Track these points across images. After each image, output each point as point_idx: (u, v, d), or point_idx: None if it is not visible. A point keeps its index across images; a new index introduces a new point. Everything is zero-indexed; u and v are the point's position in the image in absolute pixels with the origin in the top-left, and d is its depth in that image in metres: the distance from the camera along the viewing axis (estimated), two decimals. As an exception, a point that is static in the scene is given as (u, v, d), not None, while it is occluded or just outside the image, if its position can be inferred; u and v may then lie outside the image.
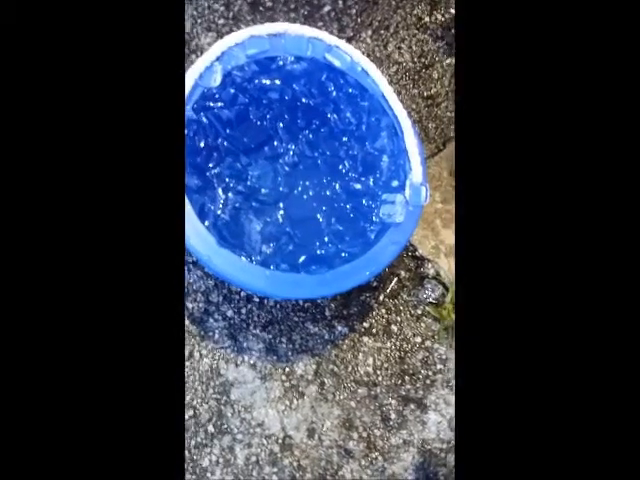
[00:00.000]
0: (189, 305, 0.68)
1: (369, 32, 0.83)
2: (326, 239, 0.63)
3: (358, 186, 0.65)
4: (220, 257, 0.55)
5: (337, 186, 0.66)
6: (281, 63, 0.60)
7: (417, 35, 0.84)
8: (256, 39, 0.60)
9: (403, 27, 0.84)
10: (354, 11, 0.82)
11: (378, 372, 0.71)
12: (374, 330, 0.72)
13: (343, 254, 0.61)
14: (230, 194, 0.62)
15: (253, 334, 0.69)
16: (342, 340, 0.71)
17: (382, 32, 0.83)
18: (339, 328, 0.71)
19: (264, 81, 0.61)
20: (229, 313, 0.69)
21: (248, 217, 0.61)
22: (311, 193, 0.65)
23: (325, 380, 0.69)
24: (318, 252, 0.61)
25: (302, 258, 0.61)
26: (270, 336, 0.69)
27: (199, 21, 0.76)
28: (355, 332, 0.71)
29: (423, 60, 0.82)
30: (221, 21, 0.76)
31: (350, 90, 0.63)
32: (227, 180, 0.62)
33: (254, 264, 0.56)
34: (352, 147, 0.65)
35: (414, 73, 0.82)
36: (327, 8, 0.82)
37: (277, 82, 0.61)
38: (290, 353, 0.69)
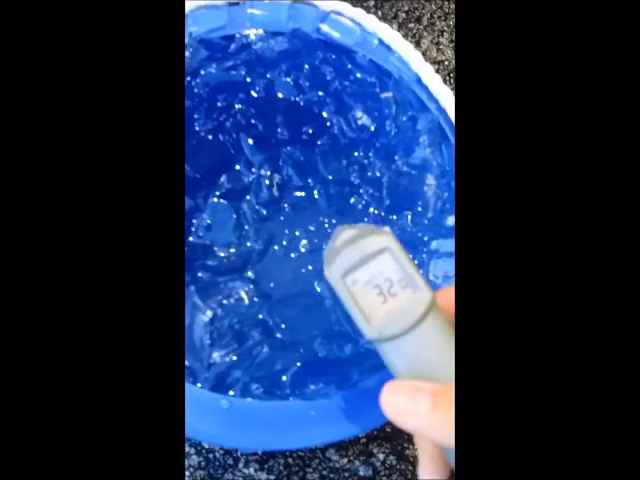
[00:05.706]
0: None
1: (394, 26, 0.62)
2: (336, 329, 0.36)
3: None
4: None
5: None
6: (245, 42, 0.37)
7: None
8: (207, 11, 0.37)
9: (440, 17, 0.62)
10: (372, 3, 0.62)
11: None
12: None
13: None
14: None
15: (243, 475, 0.44)
16: (387, 478, 0.45)
17: (411, 25, 0.62)
18: (380, 457, 0.45)
19: (218, 70, 0.37)
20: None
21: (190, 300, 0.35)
22: (304, 250, 0.39)
23: None
24: (320, 354, 0.35)
25: (292, 370, 0.34)
26: (272, 478, 0.44)
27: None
28: (407, 462, 0.45)
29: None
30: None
31: (361, 76, 0.38)
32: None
33: (204, 389, 0.30)
34: (371, 166, 0.39)
35: (462, 72, 0.60)
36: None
37: (242, 72, 0.38)
38: (305, 505, 0.43)
